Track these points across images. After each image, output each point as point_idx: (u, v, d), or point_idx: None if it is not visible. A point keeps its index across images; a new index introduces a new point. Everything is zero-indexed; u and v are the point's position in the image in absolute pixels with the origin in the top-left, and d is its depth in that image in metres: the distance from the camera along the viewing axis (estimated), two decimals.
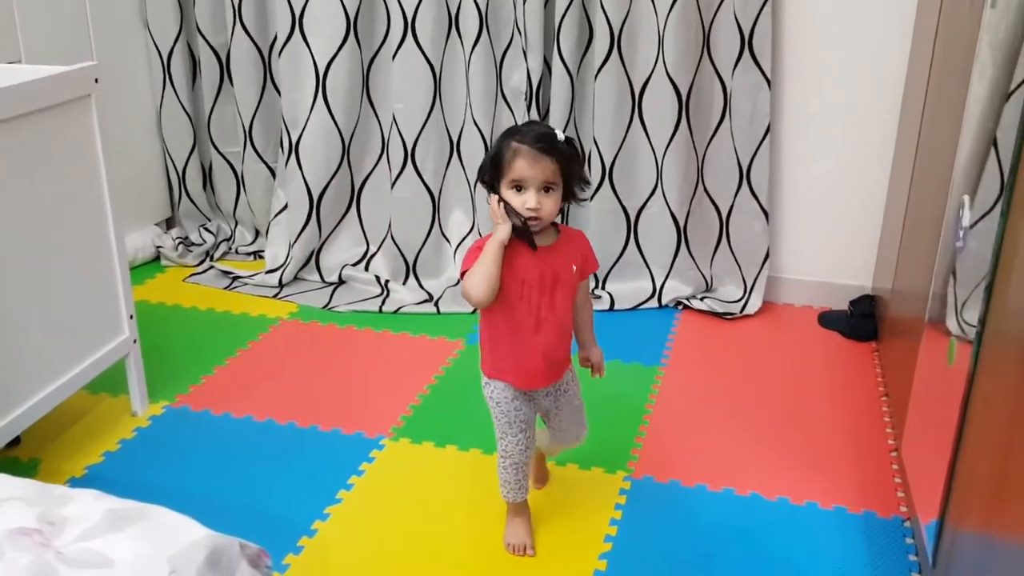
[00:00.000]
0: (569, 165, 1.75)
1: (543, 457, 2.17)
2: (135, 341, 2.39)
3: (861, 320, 2.89)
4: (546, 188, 1.73)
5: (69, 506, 1.21)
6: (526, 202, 1.72)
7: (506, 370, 1.89)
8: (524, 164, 1.70)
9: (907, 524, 2.05)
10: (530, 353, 1.85)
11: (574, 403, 2.00)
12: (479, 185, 1.88)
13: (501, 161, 1.73)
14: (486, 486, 2.18)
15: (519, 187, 1.72)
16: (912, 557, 1.95)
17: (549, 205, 1.73)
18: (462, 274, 1.79)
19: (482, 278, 1.74)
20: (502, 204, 1.74)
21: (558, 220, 1.86)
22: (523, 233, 1.75)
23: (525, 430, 1.92)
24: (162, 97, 3.33)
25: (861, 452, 2.32)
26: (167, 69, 3.29)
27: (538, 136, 1.72)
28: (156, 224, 3.48)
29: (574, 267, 1.84)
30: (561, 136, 1.74)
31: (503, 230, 1.73)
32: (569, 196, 1.80)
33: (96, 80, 2.13)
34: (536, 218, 1.73)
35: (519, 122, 3.05)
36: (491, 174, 1.76)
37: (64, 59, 2.74)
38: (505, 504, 1.99)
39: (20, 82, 1.94)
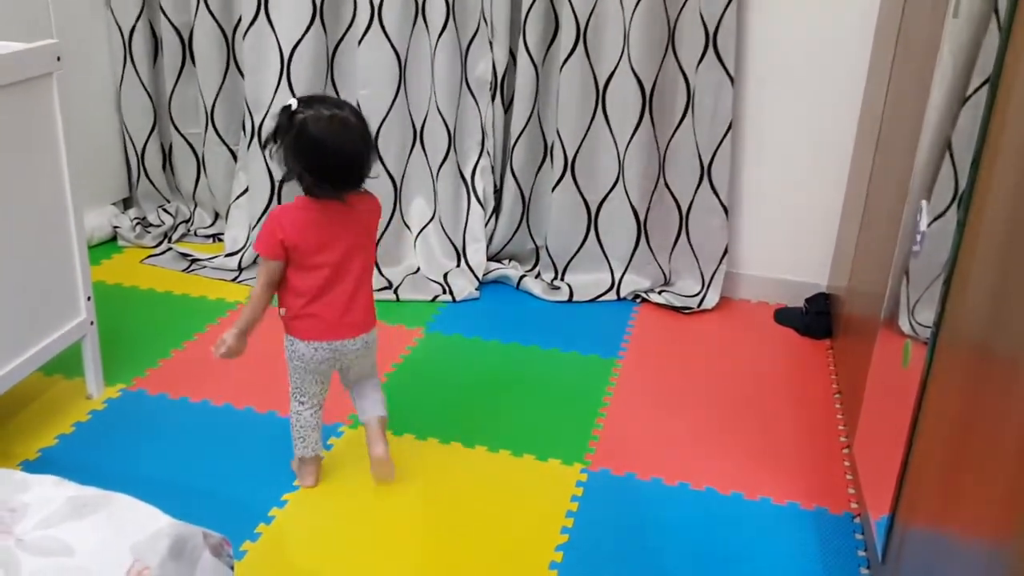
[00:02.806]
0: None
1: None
2: (92, 323, 2.36)
3: (816, 318, 2.94)
4: None
5: (29, 492, 1.20)
6: None
7: None
8: None
9: (857, 520, 2.10)
10: None
11: None
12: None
13: None
14: (443, 474, 2.19)
15: None
16: (861, 553, 2.00)
17: None
18: None
19: None
20: None
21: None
22: None
23: None
24: (122, 76, 3.28)
25: (814, 448, 2.36)
26: (128, 48, 3.24)
27: None
28: (113, 204, 3.43)
29: None
30: (289, 105, 1.86)
31: None
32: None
33: (58, 58, 2.09)
34: None
35: (483, 112, 3.05)
36: None
37: (22, 34, 2.68)
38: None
39: None
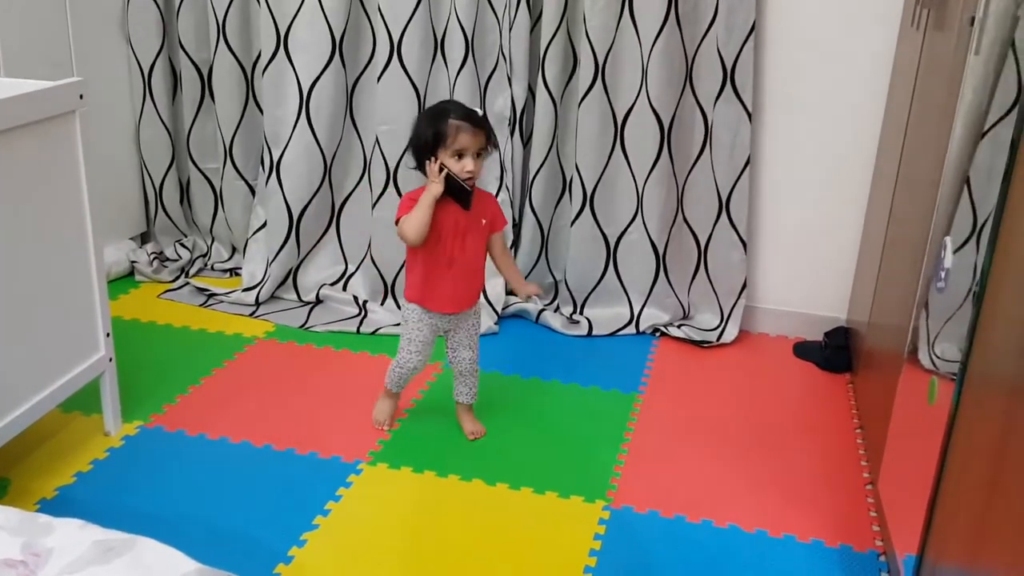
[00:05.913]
0: (492, 136, 2.24)
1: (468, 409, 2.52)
2: (111, 359, 2.35)
3: (835, 352, 2.92)
4: (478, 154, 2.20)
5: (53, 536, 1.19)
6: (465, 167, 2.17)
7: (423, 297, 2.32)
8: (467, 137, 2.16)
9: (883, 558, 2.07)
10: (443, 285, 2.29)
11: (470, 329, 2.40)
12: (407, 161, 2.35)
13: (444, 136, 2.15)
14: (465, 512, 2.17)
15: (460, 155, 2.17)
16: None
17: (480, 168, 2.22)
18: (397, 219, 2.21)
19: (418, 224, 2.17)
20: (442, 168, 2.16)
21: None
22: (461, 192, 2.19)
23: (421, 349, 2.38)
24: (141, 111, 3.30)
25: (837, 484, 2.33)
26: (147, 83, 3.26)
27: (471, 114, 2.20)
28: (131, 238, 3.44)
29: (483, 220, 2.28)
30: (480, 112, 2.24)
31: (437, 187, 2.16)
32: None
33: (81, 96, 2.11)
34: (472, 179, 2.20)
35: (502, 147, 3.06)
36: (431, 147, 2.17)
37: (44, 71, 2.72)
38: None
39: (4, 97, 1.92)
